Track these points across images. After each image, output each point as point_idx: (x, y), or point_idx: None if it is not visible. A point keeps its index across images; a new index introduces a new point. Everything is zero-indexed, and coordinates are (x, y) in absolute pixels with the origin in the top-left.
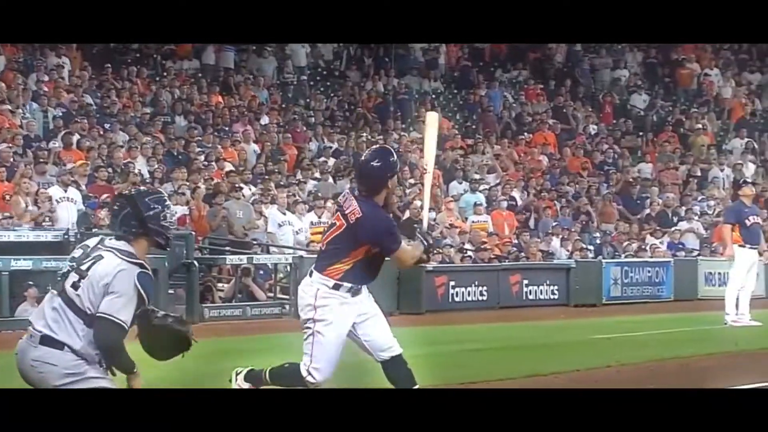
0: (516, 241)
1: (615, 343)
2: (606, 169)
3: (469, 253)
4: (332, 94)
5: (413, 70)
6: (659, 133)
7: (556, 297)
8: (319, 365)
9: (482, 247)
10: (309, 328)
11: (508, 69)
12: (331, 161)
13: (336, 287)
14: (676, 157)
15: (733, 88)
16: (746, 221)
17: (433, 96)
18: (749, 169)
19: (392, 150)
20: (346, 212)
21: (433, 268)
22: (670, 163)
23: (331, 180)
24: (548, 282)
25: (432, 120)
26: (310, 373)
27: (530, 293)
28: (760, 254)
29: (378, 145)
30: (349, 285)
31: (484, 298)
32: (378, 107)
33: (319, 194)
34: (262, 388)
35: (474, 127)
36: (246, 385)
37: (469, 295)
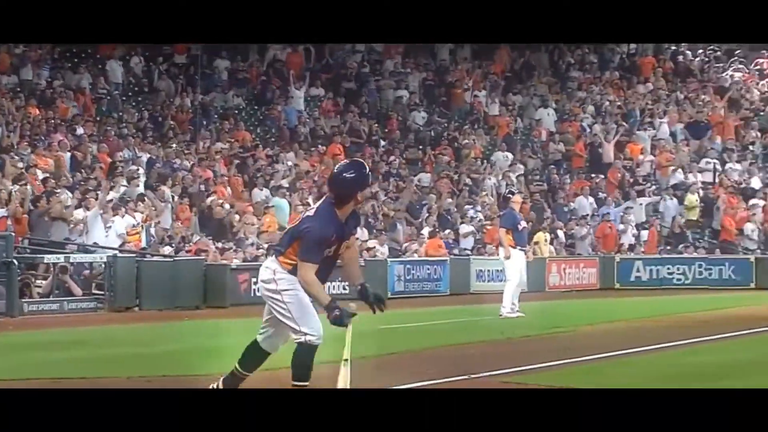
0: None
1: (399, 333)
2: (390, 178)
3: (265, 251)
4: (143, 108)
5: (218, 87)
6: (436, 147)
7: (347, 292)
8: (309, 324)
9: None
10: (278, 300)
11: (301, 86)
12: (141, 170)
13: (291, 272)
14: (451, 168)
15: (499, 108)
16: (518, 226)
17: (236, 111)
18: (514, 180)
19: (365, 164)
20: (307, 210)
21: (236, 266)
22: (446, 173)
23: (141, 187)
24: (340, 279)
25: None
26: (306, 334)
27: (324, 288)
28: (526, 255)
29: (353, 158)
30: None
31: None
32: (191, 120)
33: (128, 198)
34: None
35: (273, 139)
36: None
37: None
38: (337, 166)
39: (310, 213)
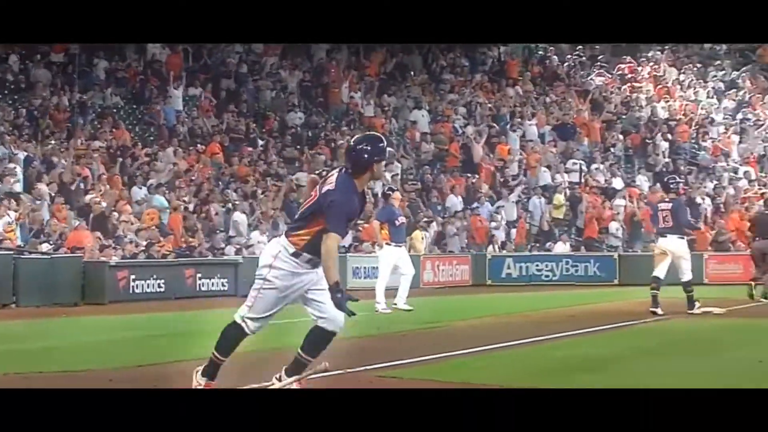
0: (191, 239)
1: (281, 328)
2: (267, 177)
3: (144, 248)
4: (19, 106)
5: (96, 86)
6: (314, 146)
7: (226, 289)
8: (254, 317)
9: (155, 243)
10: (257, 282)
11: (179, 86)
12: (18, 168)
13: (296, 255)
14: (328, 167)
15: (374, 109)
16: (396, 221)
17: (115, 110)
18: (389, 179)
19: (383, 138)
20: (323, 184)
21: (115, 263)
22: (324, 172)
23: (20, 184)
24: (219, 275)
25: None
26: (244, 321)
27: (203, 285)
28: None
29: (370, 132)
30: (309, 256)
31: (163, 289)
32: (68, 119)
33: (1, 196)
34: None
35: (152, 138)
36: (203, 381)
37: (148, 287)
38: (353, 138)
39: (330, 187)
